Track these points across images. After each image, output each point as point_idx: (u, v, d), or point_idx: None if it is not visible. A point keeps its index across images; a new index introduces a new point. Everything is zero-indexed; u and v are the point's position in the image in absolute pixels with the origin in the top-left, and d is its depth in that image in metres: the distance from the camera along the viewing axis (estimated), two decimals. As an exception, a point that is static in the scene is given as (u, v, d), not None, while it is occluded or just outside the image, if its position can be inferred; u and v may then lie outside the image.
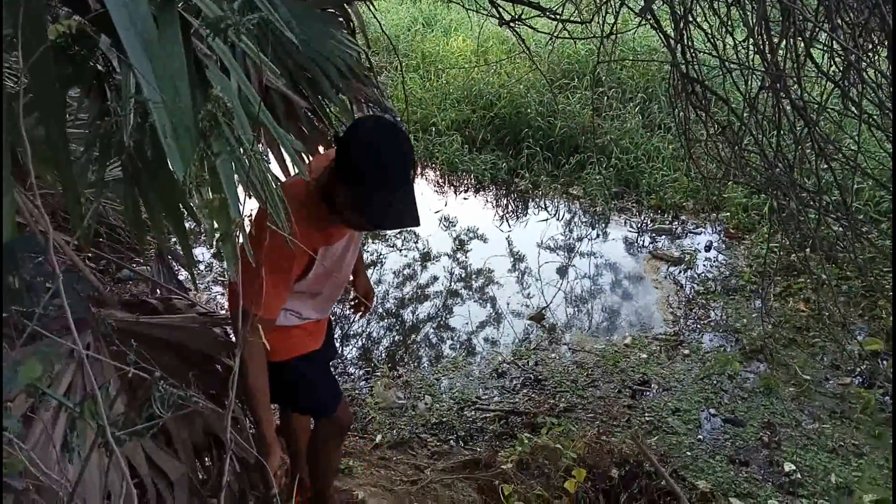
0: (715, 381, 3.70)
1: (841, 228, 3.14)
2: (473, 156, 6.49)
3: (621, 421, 3.40)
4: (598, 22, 3.04)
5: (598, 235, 5.47)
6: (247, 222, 1.27)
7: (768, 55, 2.26)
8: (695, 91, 2.73)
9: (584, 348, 4.05)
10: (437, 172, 6.52)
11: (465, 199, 6.14)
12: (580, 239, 5.41)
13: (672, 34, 2.61)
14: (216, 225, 0.97)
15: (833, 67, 2.43)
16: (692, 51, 2.65)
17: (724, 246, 5.16)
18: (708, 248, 5.15)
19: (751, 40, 2.33)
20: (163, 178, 1.22)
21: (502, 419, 3.44)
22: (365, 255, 5.00)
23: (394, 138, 1.60)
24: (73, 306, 1.62)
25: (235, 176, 1.10)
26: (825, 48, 2.44)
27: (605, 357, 3.94)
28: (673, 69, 2.76)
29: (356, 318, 4.21)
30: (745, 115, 2.59)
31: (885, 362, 3.80)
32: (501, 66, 7.32)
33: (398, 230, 5.19)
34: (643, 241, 5.35)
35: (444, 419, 3.45)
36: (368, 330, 4.26)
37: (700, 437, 3.32)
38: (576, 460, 2.87)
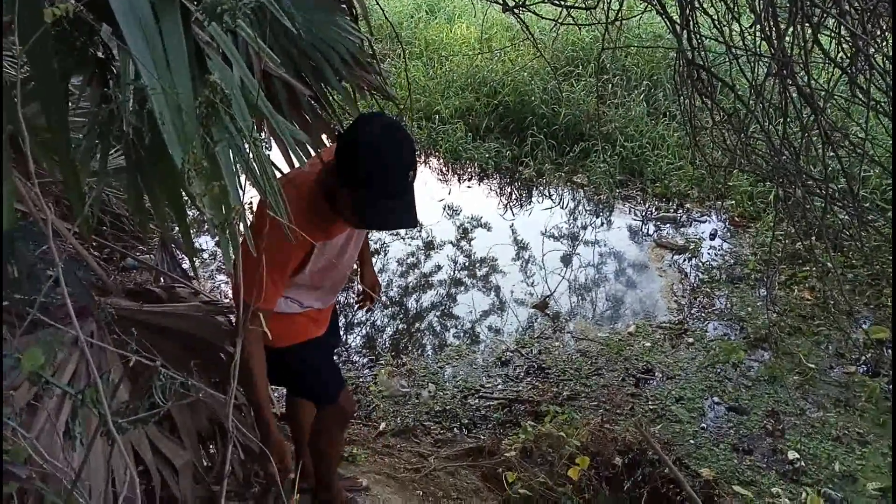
0: (719, 370, 3.70)
1: (847, 216, 3.13)
2: (477, 144, 6.47)
3: (625, 409, 3.41)
4: (603, 8, 3.02)
5: (602, 224, 5.45)
6: (248, 213, 1.27)
7: (775, 41, 2.23)
8: (700, 78, 2.71)
9: (588, 337, 4.05)
10: (441, 161, 6.50)
11: (468, 187, 6.13)
12: (584, 227, 5.40)
13: (678, 20, 2.58)
14: (215, 213, 0.97)
15: (841, 54, 2.40)
16: (698, 37, 2.63)
17: (728, 234, 5.14)
18: (713, 236, 5.12)
19: (757, 26, 2.31)
20: (164, 166, 1.22)
21: (506, 407, 3.45)
22: (370, 244, 5.00)
23: (397, 143, 1.59)
24: (76, 294, 1.63)
25: (237, 165, 1.10)
26: (833, 34, 2.41)
27: (609, 345, 3.93)
28: (678, 56, 2.74)
29: (362, 311, 4.21)
30: (751, 102, 2.57)
31: (889, 351, 3.79)
32: (505, 54, 7.27)
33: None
34: (647, 229, 5.33)
35: (448, 407, 3.46)
36: (372, 318, 4.26)
37: (704, 425, 3.32)
38: (579, 448, 2.87)
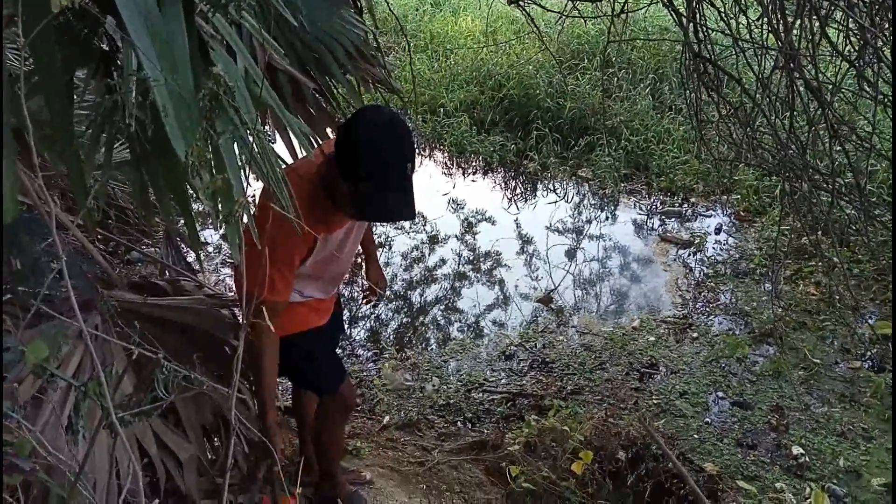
0: (723, 365, 3.69)
1: (854, 211, 3.11)
2: (482, 137, 6.45)
3: (629, 403, 3.40)
4: (609, 0, 3.00)
5: (607, 218, 5.44)
6: (251, 206, 1.26)
7: (782, 34, 2.22)
8: (707, 71, 2.69)
9: (592, 331, 4.04)
10: (445, 154, 6.48)
11: (473, 181, 6.12)
12: (589, 221, 5.38)
13: (684, 12, 2.57)
14: (220, 206, 0.97)
15: (848, 47, 2.38)
16: (705, 30, 2.61)
17: (734, 229, 5.12)
18: (718, 230, 5.11)
19: (764, 19, 2.29)
20: (168, 159, 1.21)
21: (510, 401, 3.45)
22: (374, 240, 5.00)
23: (396, 137, 1.59)
24: (80, 287, 1.63)
25: (241, 157, 1.09)
26: (841, 27, 2.39)
27: (613, 340, 3.93)
28: (685, 49, 2.72)
29: (368, 306, 4.21)
30: (757, 95, 2.55)
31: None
32: (510, 47, 7.25)
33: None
34: (652, 223, 5.32)
35: (452, 401, 3.46)
36: (376, 312, 4.26)
37: (708, 419, 3.32)
38: (583, 442, 2.87)
